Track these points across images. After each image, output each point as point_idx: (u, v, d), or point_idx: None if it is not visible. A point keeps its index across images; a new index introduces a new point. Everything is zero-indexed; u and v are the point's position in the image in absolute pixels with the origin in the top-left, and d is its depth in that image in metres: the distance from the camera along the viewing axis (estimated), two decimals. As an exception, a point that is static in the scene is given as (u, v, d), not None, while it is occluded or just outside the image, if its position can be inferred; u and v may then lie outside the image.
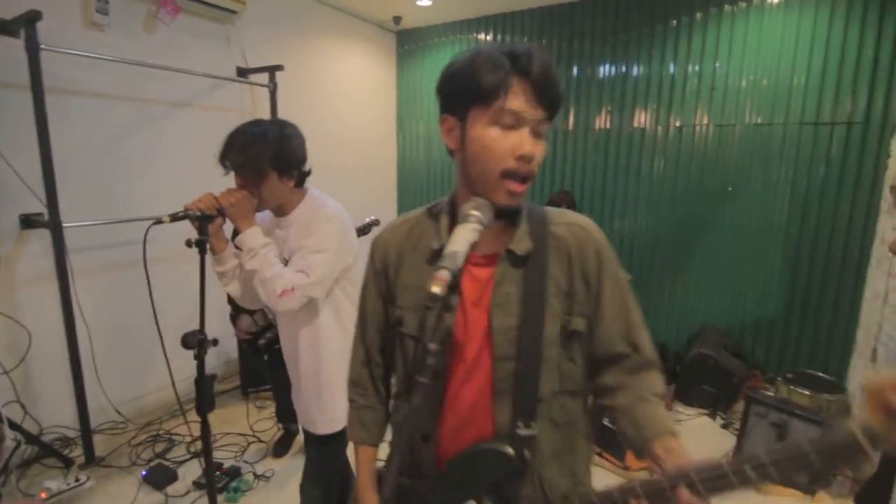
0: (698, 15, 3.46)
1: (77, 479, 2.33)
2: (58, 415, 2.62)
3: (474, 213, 0.76)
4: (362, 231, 3.11)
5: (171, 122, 3.00)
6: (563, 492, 0.87)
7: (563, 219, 0.88)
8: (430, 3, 3.91)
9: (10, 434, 2.29)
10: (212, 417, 2.95)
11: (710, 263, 3.64)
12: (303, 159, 1.46)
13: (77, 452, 2.57)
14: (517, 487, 0.84)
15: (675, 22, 3.55)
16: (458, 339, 0.85)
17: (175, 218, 1.31)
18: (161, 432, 2.79)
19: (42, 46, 2.20)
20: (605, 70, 3.85)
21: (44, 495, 2.20)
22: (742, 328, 3.58)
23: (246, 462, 2.55)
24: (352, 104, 4.38)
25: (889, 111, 2.98)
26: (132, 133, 2.82)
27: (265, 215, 1.54)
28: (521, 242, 0.83)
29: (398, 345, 0.92)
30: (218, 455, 2.61)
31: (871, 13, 2.97)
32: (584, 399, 0.93)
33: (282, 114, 3.44)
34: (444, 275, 0.66)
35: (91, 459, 2.53)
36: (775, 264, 3.42)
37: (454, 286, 0.83)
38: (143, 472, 2.42)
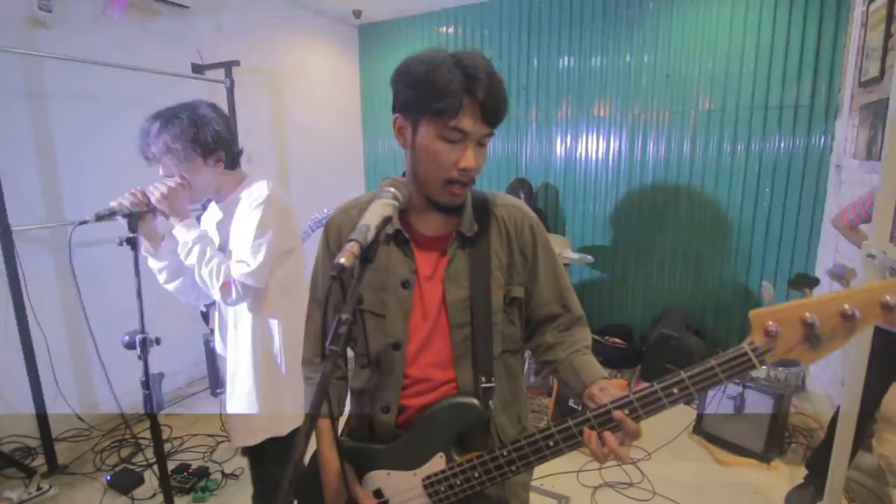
0: (651, 5, 3.54)
1: (39, 488, 2.28)
2: (17, 424, 2.55)
3: (390, 189, 0.81)
4: (321, 224, 3.10)
5: (122, 121, 2.91)
6: (512, 437, 0.97)
7: (501, 201, 1.00)
8: (389, -4, 3.90)
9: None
10: (181, 420, 2.99)
11: (672, 247, 3.74)
12: (227, 140, 1.37)
13: (39, 461, 2.51)
14: (476, 436, 0.95)
15: (628, 12, 3.63)
16: (416, 312, 0.94)
17: (101, 217, 1.27)
18: (126, 437, 2.75)
19: (-19, 45, 2.13)
20: (564, 61, 3.91)
21: (4, 506, 2.16)
22: (703, 308, 3.70)
23: (214, 462, 2.53)
24: (314, 101, 4.34)
25: (832, 95, 3.12)
26: (83, 133, 2.75)
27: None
28: (469, 225, 0.94)
29: (358, 320, 0.97)
30: (186, 457, 2.59)
31: (812, 3, 3.09)
32: (521, 356, 1.06)
33: (240, 112, 3.39)
34: (353, 247, 0.67)
35: (54, 468, 2.47)
36: (732, 244, 3.54)
37: (412, 267, 0.94)
38: (108, 477, 2.38)
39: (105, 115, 2.85)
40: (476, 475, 0.89)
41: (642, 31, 3.60)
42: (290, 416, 1.47)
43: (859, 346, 1.50)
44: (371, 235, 0.71)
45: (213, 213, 1.50)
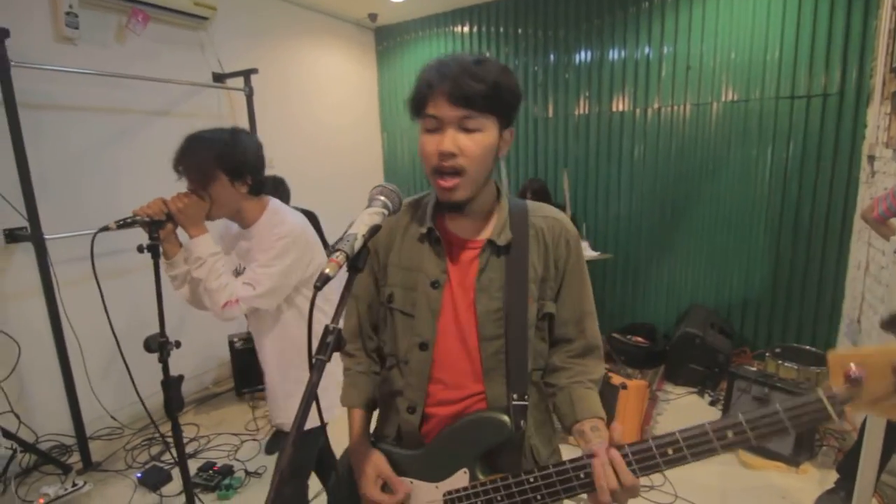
0: (670, -5, 3.46)
1: (74, 484, 2.38)
2: (53, 423, 2.67)
3: (380, 198, 0.81)
4: (342, 241, 3.14)
5: (148, 130, 3.04)
6: (544, 459, 0.97)
7: (541, 212, 0.97)
8: (404, -2, 3.92)
9: (4, 443, 2.34)
10: (207, 419, 3.08)
11: (696, 243, 3.65)
12: (256, 165, 1.43)
13: (74, 459, 2.63)
14: (507, 455, 0.92)
15: (646, 3, 3.55)
16: (446, 315, 0.92)
17: (122, 225, 1.33)
18: (156, 435, 2.85)
19: (13, 63, 2.24)
20: (581, 56, 3.86)
21: (42, 501, 2.26)
22: (730, 305, 3.59)
23: (238, 461, 2.60)
24: (332, 105, 4.40)
25: (863, 81, 2.98)
26: (110, 144, 2.87)
27: (232, 226, 1.55)
28: (501, 234, 0.92)
29: (388, 319, 0.98)
30: (211, 455, 2.67)
31: (840, -17, 2.96)
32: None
33: (260, 118, 3.48)
34: (339, 257, 0.68)
35: (88, 465, 2.59)
36: (759, 240, 3.43)
37: (442, 267, 0.92)
38: (138, 475, 2.48)
39: (132, 126, 2.96)
40: (498, 497, 0.84)
41: (661, 22, 3.52)
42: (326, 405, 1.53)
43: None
44: (358, 244, 0.71)
45: (236, 236, 1.56)
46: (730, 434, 0.68)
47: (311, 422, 1.49)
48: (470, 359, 0.92)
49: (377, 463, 0.94)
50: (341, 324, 0.71)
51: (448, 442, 0.91)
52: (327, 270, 0.66)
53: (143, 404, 1.59)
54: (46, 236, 2.42)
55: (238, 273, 1.48)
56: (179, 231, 1.43)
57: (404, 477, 0.94)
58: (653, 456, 0.72)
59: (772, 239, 3.38)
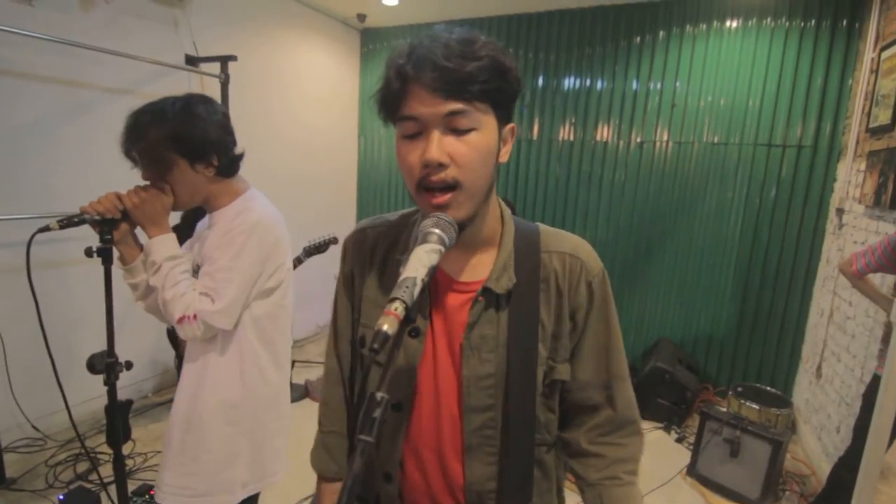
0: (661, 34, 3.52)
1: (-20, 506, 2.06)
2: (-39, 432, 2.32)
3: (435, 231, 0.63)
4: (318, 249, 2.92)
5: (105, 108, 2.74)
6: None
7: (557, 246, 0.76)
8: (396, 2, 3.80)
9: None
10: (146, 433, 2.77)
11: (667, 277, 3.69)
12: (221, 141, 1.17)
13: (-17, 474, 2.29)
14: None
15: (638, 39, 3.60)
16: (424, 365, 0.75)
17: (66, 224, 1.10)
18: (82, 451, 2.53)
19: (-45, 17, 1.95)
20: (569, 82, 3.86)
21: (-63, 526, 1.93)
22: (696, 341, 3.65)
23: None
24: (311, 103, 4.20)
25: (836, 137, 3.12)
26: (61, 119, 2.56)
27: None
28: (501, 278, 0.72)
29: (358, 367, 0.82)
30: (148, 476, 2.38)
31: (822, 44, 3.10)
32: (556, 452, 0.84)
33: (234, 108, 3.22)
34: (398, 309, 0.53)
35: (2, 481, 2.25)
36: (728, 279, 3.50)
37: (424, 312, 0.73)
38: (60, 497, 2.15)
39: (88, 102, 2.66)
40: None
41: (650, 58, 3.57)
42: (242, 480, 1.24)
43: (886, 392, 1.43)
44: (417, 292, 0.56)
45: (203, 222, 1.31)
46: None
47: (248, 490, 1.22)
48: (450, 429, 0.75)
49: None
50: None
51: None
52: (386, 328, 0.51)
53: (71, 417, 1.30)
54: (-26, 217, 2.11)
55: (195, 272, 1.22)
56: (139, 231, 1.20)
57: None
58: None
59: (740, 279, 3.46)
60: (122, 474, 1.25)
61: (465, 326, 0.72)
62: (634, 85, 3.65)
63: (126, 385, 2.95)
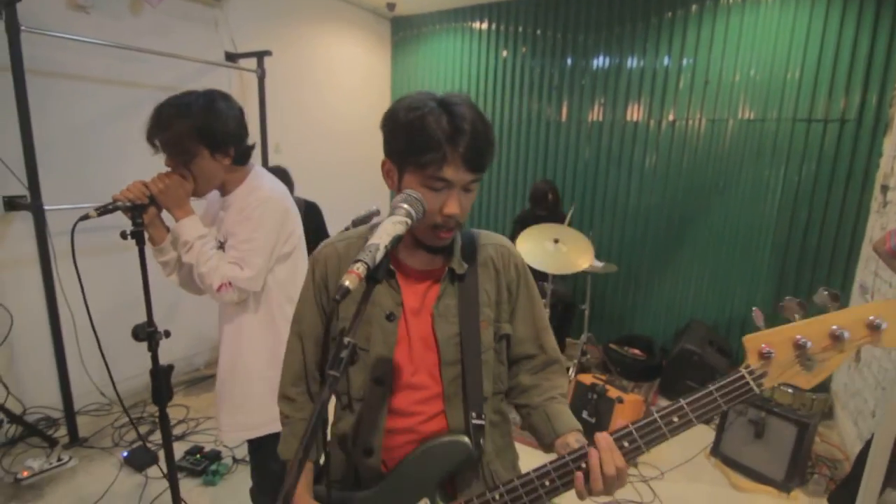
0: (693, 7, 3.41)
1: (59, 459, 2.36)
2: (42, 396, 2.64)
3: (403, 206, 0.76)
4: (363, 221, 3.07)
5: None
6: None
7: (490, 240, 1.00)
8: (424, -10, 3.87)
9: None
10: (197, 401, 3.05)
11: (700, 258, 3.63)
12: (238, 134, 1.32)
13: (61, 433, 2.60)
14: (467, 481, 0.91)
15: (670, 14, 3.50)
16: (401, 344, 0.91)
17: (103, 211, 1.25)
18: (145, 415, 2.82)
19: (23, 28, 2.19)
20: (598, 62, 3.81)
21: (26, 474, 2.24)
22: (729, 323, 3.58)
23: (226, 447, 2.58)
24: (344, 93, 4.35)
25: (882, 109, 2.95)
26: (117, 117, 2.82)
27: (214, 195, 1.45)
28: (459, 263, 0.93)
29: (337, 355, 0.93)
30: (199, 439, 2.64)
31: (867, 11, 2.92)
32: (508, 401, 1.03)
33: (270, 101, 3.42)
34: (359, 268, 0.64)
35: (75, 440, 2.56)
36: (764, 260, 3.40)
37: (397, 299, 0.91)
38: (124, 454, 2.45)
39: (140, 100, 2.91)
40: None
41: (682, 34, 3.47)
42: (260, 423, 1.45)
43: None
44: (380, 255, 0.67)
45: (217, 204, 1.47)
46: (675, 419, 0.75)
47: (260, 429, 1.42)
48: (429, 386, 0.91)
49: None
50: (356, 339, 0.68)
51: (406, 473, 0.88)
52: (347, 283, 0.62)
53: (117, 392, 1.51)
54: (46, 206, 2.38)
55: (221, 246, 1.39)
56: (166, 214, 1.37)
57: None
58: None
59: (777, 260, 3.35)
60: (166, 427, 1.44)
61: (434, 300, 0.92)
62: (666, 62, 3.56)
63: (179, 358, 3.24)
